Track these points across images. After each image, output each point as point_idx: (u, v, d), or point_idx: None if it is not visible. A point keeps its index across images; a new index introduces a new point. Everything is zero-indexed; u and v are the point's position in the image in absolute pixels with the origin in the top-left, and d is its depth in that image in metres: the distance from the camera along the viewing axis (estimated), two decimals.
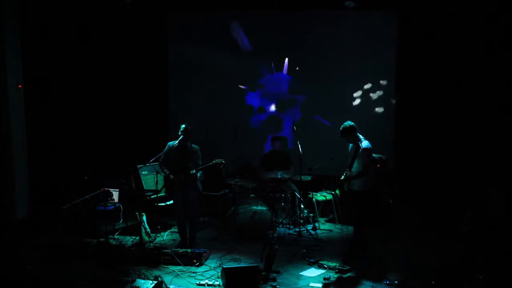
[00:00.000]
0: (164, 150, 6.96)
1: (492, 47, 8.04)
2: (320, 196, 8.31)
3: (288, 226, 8.01)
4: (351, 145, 6.64)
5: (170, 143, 6.95)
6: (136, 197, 7.27)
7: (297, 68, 9.26)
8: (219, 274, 5.94)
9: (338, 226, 8.12)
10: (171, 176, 6.84)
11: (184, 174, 6.78)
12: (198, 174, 6.86)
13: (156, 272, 6.03)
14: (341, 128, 6.55)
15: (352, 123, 6.55)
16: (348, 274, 6.07)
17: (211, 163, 6.83)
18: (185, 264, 6.32)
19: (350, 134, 6.52)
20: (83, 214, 7.46)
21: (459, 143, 8.35)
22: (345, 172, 6.54)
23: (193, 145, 6.95)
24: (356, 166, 6.45)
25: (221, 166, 6.87)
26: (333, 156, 7.88)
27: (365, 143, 6.46)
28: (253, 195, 7.80)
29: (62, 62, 8.72)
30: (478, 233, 7.13)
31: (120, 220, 7.59)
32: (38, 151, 8.45)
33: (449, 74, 8.40)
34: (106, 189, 7.23)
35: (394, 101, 9.03)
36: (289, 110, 9.31)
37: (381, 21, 8.92)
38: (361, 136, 6.57)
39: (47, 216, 8.02)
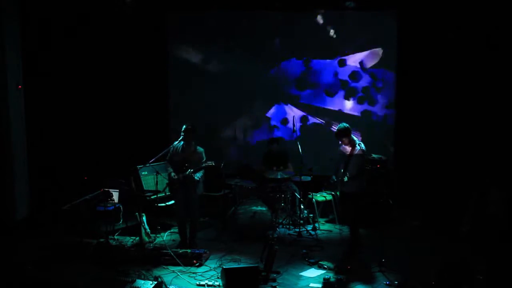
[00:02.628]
0: (170, 149, 6.99)
1: (493, 47, 8.03)
2: (320, 197, 8.30)
3: (288, 226, 8.00)
4: (344, 147, 6.71)
5: (175, 142, 6.98)
6: (136, 198, 7.27)
7: (297, 68, 9.25)
8: (219, 274, 5.94)
9: (338, 226, 8.11)
10: (173, 175, 6.85)
11: (183, 174, 6.78)
12: (198, 176, 6.83)
13: (156, 273, 6.04)
14: (336, 130, 6.65)
15: (347, 125, 6.62)
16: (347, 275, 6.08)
17: (202, 165, 6.82)
18: (185, 265, 6.32)
19: (346, 136, 6.58)
20: (83, 214, 7.44)
21: (459, 143, 8.35)
22: (334, 174, 6.65)
23: (197, 147, 6.95)
24: (351, 168, 6.50)
25: (223, 170, 6.85)
26: (333, 157, 7.90)
27: (360, 145, 6.55)
28: (253, 197, 7.79)
29: (62, 62, 8.72)
30: (478, 233, 7.14)
31: (120, 221, 7.57)
32: (38, 151, 8.45)
33: (450, 74, 8.40)
34: (106, 189, 7.22)
35: (394, 101, 9.03)
36: (288, 111, 9.30)
37: (381, 21, 8.92)
38: (355, 138, 6.65)
39: (47, 216, 8.02)
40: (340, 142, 6.72)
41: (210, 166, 6.81)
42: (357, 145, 6.52)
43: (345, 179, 6.52)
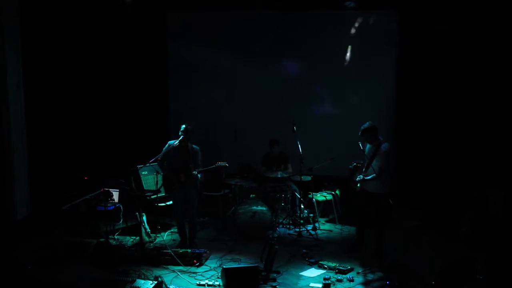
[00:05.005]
0: (164, 148, 6.97)
1: (492, 47, 8.04)
2: (320, 196, 8.30)
3: (288, 226, 8.00)
4: (368, 146, 6.67)
5: (171, 142, 6.96)
6: (136, 197, 7.26)
7: (297, 69, 9.25)
8: (219, 274, 5.95)
9: (338, 226, 8.11)
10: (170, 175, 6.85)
11: (185, 174, 6.77)
12: (199, 176, 6.84)
13: (156, 272, 6.04)
14: (361, 127, 6.58)
15: (372, 123, 6.58)
16: (348, 274, 6.08)
17: (214, 166, 6.82)
18: (185, 265, 6.33)
19: (370, 134, 6.54)
20: (83, 214, 7.45)
21: (459, 143, 8.34)
22: (357, 173, 6.66)
23: (193, 146, 6.95)
24: (373, 168, 6.47)
25: (223, 170, 6.83)
26: (333, 156, 7.92)
27: (384, 145, 6.51)
28: (253, 195, 7.79)
29: (62, 62, 8.72)
30: (478, 233, 7.15)
31: (120, 220, 7.58)
32: (38, 151, 8.45)
33: (449, 75, 8.39)
34: (106, 189, 7.22)
35: (394, 102, 9.02)
36: (288, 111, 9.29)
37: (381, 21, 8.91)
38: (381, 139, 6.60)
39: (47, 216, 8.02)
40: (365, 142, 6.67)
41: (223, 166, 6.79)
42: (382, 145, 6.49)
43: (366, 178, 6.50)
